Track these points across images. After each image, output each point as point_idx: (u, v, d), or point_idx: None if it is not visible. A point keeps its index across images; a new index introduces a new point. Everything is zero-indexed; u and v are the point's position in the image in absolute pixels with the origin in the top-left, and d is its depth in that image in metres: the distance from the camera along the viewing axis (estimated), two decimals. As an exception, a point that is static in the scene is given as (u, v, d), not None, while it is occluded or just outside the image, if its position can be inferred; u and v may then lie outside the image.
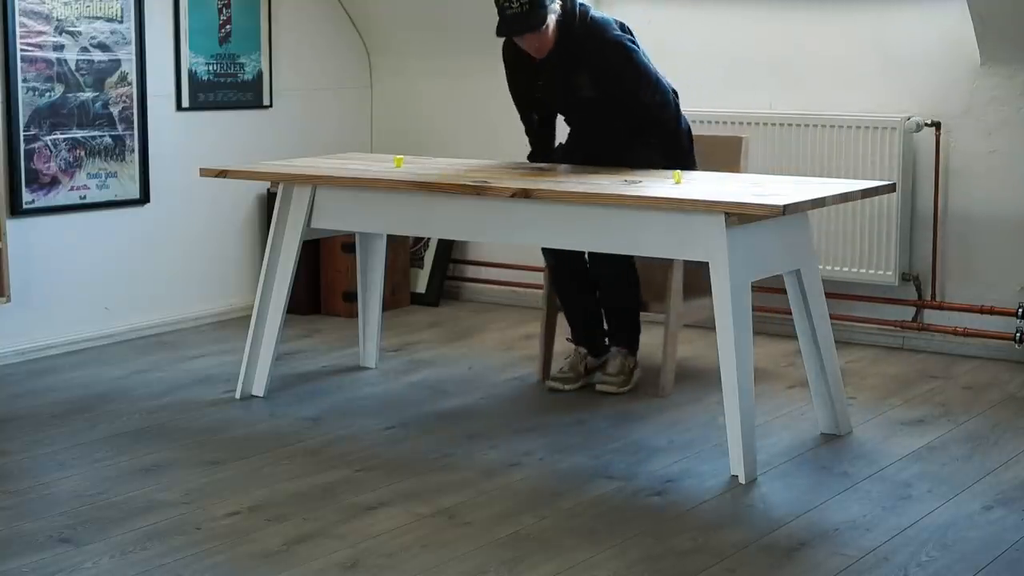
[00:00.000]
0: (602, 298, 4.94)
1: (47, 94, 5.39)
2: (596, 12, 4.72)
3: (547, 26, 4.54)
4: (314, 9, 6.52)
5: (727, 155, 5.01)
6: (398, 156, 4.99)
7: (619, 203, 4.17)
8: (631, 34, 4.76)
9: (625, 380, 4.90)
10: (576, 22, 4.62)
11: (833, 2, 5.72)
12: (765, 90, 5.85)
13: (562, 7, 4.58)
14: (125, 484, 3.97)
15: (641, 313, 4.98)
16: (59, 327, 5.52)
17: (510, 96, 4.98)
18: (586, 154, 4.81)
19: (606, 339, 5.02)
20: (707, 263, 4.09)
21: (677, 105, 4.74)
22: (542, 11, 4.48)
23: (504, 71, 4.91)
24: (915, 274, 5.62)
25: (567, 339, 5.07)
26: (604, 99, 4.72)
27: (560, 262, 4.92)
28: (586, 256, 4.92)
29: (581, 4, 4.66)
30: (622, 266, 4.79)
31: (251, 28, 6.19)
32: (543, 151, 4.99)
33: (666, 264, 4.85)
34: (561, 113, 4.93)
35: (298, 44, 6.43)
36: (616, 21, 4.75)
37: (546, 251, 4.93)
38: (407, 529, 3.64)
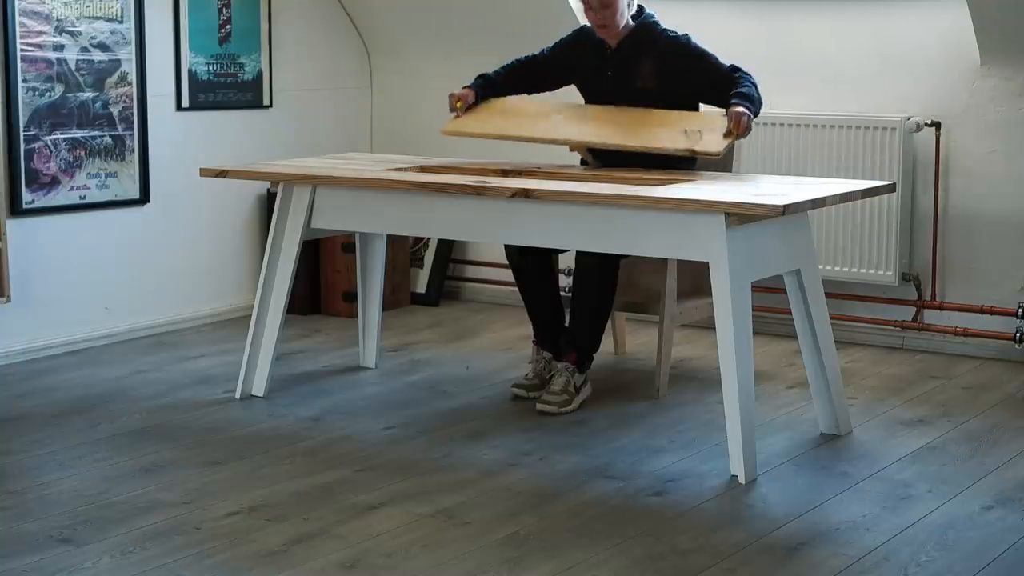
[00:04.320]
0: (575, 296, 4.80)
1: (47, 94, 5.40)
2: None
3: (618, 7, 4.71)
4: (314, 9, 6.53)
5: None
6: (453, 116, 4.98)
7: (619, 203, 4.17)
8: None
9: (567, 400, 4.68)
10: (643, 23, 4.83)
11: (833, 2, 5.72)
12: (765, 90, 5.83)
13: (635, 15, 4.82)
14: (125, 484, 3.97)
15: (636, 315, 4.93)
16: (59, 327, 5.53)
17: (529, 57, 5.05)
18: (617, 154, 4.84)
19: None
20: (706, 263, 4.10)
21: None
22: None
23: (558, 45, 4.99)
24: (915, 274, 5.62)
25: (532, 342, 5.05)
26: (661, 94, 4.77)
27: (528, 261, 4.87)
28: (553, 256, 4.94)
29: (648, 12, 4.87)
30: (607, 262, 4.73)
31: (251, 28, 6.19)
32: (487, 85, 5.01)
33: (660, 265, 4.84)
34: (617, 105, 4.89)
35: (298, 44, 6.43)
36: None
37: (511, 249, 4.88)
38: (407, 529, 3.64)
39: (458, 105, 4.93)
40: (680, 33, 4.85)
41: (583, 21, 5.03)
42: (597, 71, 4.88)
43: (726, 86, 4.69)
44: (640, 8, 4.87)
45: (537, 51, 5.05)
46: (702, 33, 5.95)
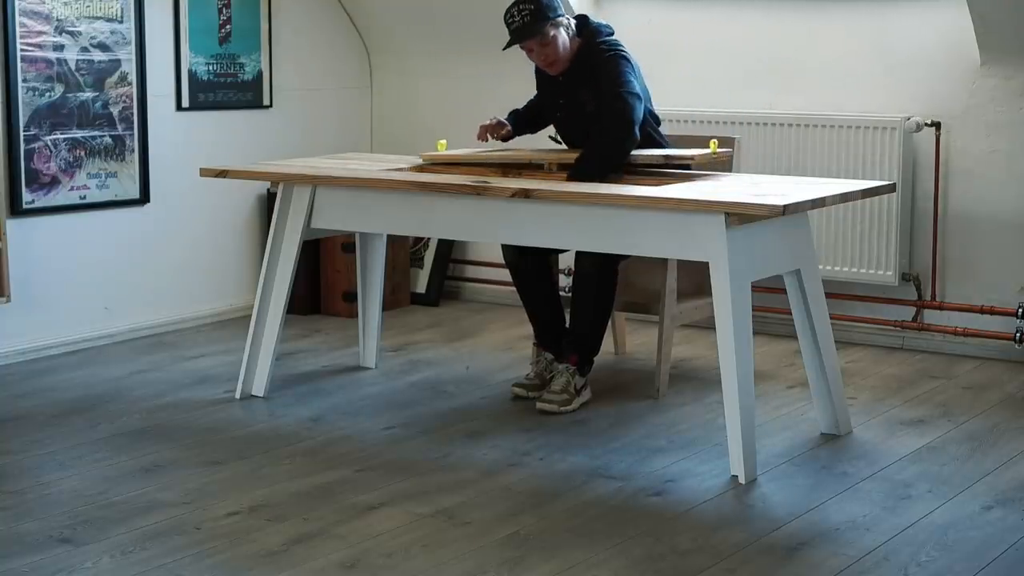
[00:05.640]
0: (575, 299, 4.79)
1: (47, 94, 5.40)
2: (606, 33, 4.76)
3: (553, 36, 4.64)
4: (314, 9, 6.53)
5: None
6: (441, 141, 5.01)
7: (619, 203, 4.17)
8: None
9: (567, 400, 4.69)
10: (586, 41, 4.72)
11: (833, 2, 5.72)
12: (765, 90, 5.85)
13: (579, 27, 4.71)
14: (125, 484, 3.97)
15: (636, 315, 4.92)
16: (59, 327, 5.52)
17: (512, 95, 5.08)
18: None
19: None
20: (706, 263, 4.10)
21: (631, 118, 4.56)
22: (542, 22, 4.60)
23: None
24: (915, 274, 5.62)
25: (533, 343, 5.05)
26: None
27: (526, 261, 4.86)
28: (551, 257, 4.94)
29: (599, 26, 4.76)
30: (607, 263, 4.73)
31: (251, 28, 6.19)
32: (519, 120, 5.00)
33: (660, 265, 4.84)
34: (570, 133, 4.87)
35: (298, 44, 6.43)
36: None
37: (509, 250, 4.88)
38: (407, 529, 3.64)
39: (487, 140, 4.93)
40: (615, 51, 4.66)
41: None
42: (552, 102, 4.86)
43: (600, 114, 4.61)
44: (583, 22, 4.74)
45: None
46: (702, 33, 5.97)
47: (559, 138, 4.95)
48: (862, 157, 5.56)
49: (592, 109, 4.68)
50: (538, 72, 4.88)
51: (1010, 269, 5.44)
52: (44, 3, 5.36)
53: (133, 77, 5.69)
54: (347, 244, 6.09)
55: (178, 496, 3.88)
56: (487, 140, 4.94)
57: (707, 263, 4.09)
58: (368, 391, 5.01)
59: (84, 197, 5.57)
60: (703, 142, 4.91)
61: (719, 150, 4.57)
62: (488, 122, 4.92)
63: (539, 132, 5.10)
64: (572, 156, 4.71)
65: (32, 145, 5.36)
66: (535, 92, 5.03)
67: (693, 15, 6.01)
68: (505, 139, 4.98)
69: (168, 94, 5.88)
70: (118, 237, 5.73)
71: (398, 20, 6.60)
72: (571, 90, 4.76)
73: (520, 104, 5.05)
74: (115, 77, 5.63)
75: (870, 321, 5.72)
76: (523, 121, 5.01)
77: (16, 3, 5.26)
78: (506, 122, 4.94)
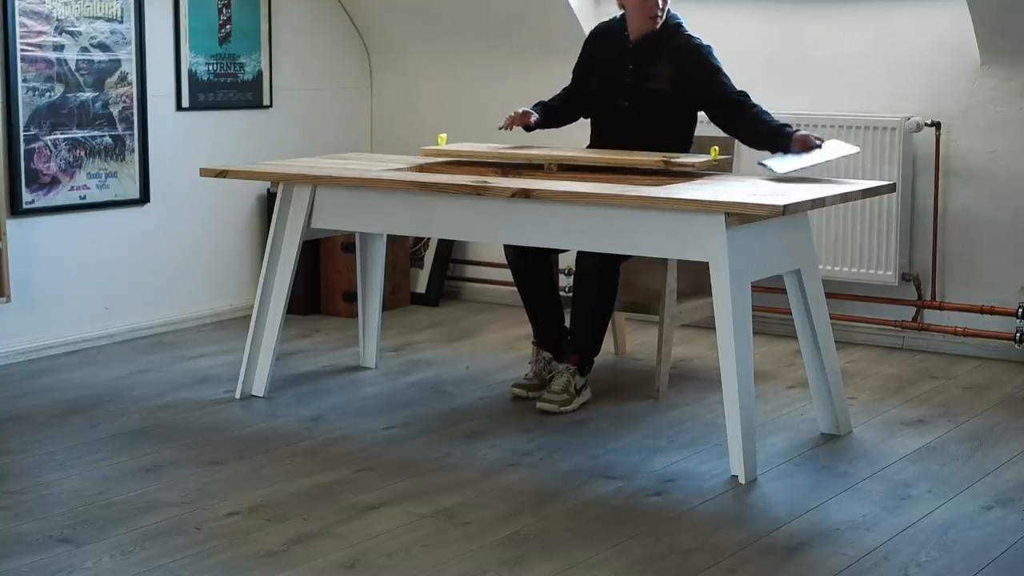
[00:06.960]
0: (575, 299, 4.80)
1: (47, 94, 5.40)
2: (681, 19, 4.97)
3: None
4: (314, 9, 6.53)
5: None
6: (441, 135, 5.04)
7: (619, 203, 4.17)
8: None
9: (567, 400, 4.70)
10: (666, 23, 4.89)
11: (834, 2, 5.72)
12: (765, 90, 5.83)
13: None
14: (125, 484, 3.97)
15: (636, 315, 4.92)
16: (59, 327, 5.52)
17: (513, 95, 5.06)
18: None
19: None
20: (706, 263, 4.10)
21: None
22: None
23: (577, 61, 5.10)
24: (915, 274, 5.62)
25: (532, 342, 5.05)
26: (673, 96, 4.82)
27: (527, 261, 4.87)
28: (552, 257, 4.95)
29: (673, 13, 4.94)
30: (608, 264, 4.74)
31: (251, 28, 6.19)
32: (546, 113, 5.05)
33: (660, 265, 4.84)
34: (630, 100, 4.90)
35: (298, 44, 6.43)
36: None
37: (509, 249, 4.89)
38: (407, 529, 3.64)
39: (511, 130, 4.97)
40: (704, 42, 4.88)
41: (583, 21, 5.04)
42: (617, 64, 4.90)
43: (733, 109, 4.75)
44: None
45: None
46: (702, 33, 5.96)
47: None
48: (862, 157, 5.56)
49: (663, 88, 4.78)
50: (597, 42, 4.97)
51: (1010, 269, 5.45)
52: (44, 3, 5.36)
53: (133, 77, 5.69)
54: (347, 244, 6.09)
55: (178, 496, 3.88)
56: (510, 130, 4.95)
57: (707, 263, 4.09)
58: (368, 391, 5.01)
59: (84, 197, 5.57)
60: (702, 142, 4.92)
61: (719, 157, 4.57)
62: (515, 113, 4.93)
63: (562, 128, 5.14)
64: (572, 156, 4.71)
65: (32, 145, 5.36)
66: (543, 95, 5.05)
67: (693, 15, 5.99)
68: (528, 129, 5.00)
69: (168, 94, 5.89)
70: (118, 237, 5.73)
71: (398, 20, 6.61)
72: (643, 60, 4.84)
73: (518, 103, 5.06)
74: (115, 77, 5.63)
75: (870, 321, 5.72)
76: (550, 113, 5.04)
77: (16, 3, 5.26)
78: (532, 112, 4.96)
